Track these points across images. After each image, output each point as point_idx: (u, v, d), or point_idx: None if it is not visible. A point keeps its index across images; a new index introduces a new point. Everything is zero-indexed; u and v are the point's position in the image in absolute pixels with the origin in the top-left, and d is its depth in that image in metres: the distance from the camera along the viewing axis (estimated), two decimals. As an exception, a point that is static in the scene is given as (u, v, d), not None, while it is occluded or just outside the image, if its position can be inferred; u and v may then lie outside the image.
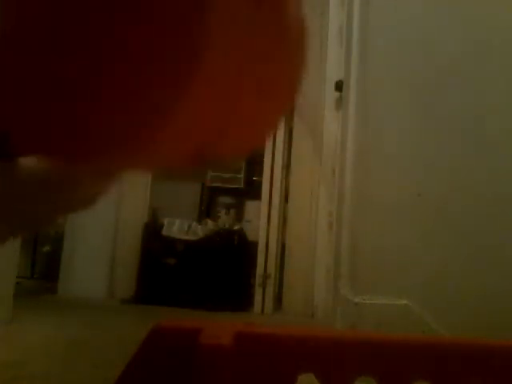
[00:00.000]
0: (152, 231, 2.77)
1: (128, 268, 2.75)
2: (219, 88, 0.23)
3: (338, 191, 2.05)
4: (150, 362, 0.36)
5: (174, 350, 0.36)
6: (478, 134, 1.64)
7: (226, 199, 3.07)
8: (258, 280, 2.58)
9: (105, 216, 2.71)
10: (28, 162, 0.29)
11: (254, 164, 3.03)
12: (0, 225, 0.31)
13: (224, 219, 2.89)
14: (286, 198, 2.67)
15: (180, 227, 2.77)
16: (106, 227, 2.79)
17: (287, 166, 2.69)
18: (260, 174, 2.75)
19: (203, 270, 2.66)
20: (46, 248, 3.18)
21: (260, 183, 2.72)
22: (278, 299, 2.61)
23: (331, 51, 2.47)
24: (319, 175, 2.52)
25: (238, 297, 2.60)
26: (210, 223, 2.86)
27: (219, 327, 0.37)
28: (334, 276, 1.84)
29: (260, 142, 0.30)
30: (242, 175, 3.06)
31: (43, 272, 3.15)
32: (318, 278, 2.46)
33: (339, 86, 2.15)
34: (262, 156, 2.72)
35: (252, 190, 2.96)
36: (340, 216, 1.83)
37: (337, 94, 2.28)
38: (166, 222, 2.80)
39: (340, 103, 2.19)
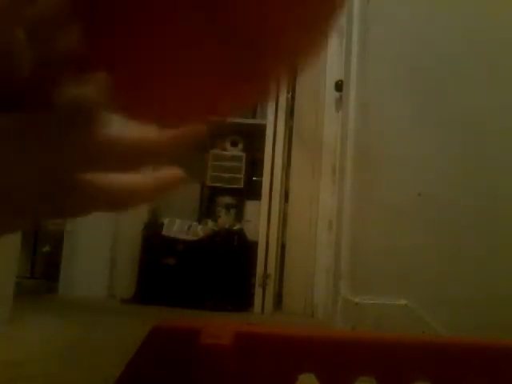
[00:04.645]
0: (152, 231, 2.77)
1: (128, 268, 2.75)
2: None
3: (338, 191, 2.05)
4: (149, 361, 0.36)
5: (173, 349, 0.36)
6: (478, 134, 1.64)
7: (226, 199, 3.06)
8: (258, 280, 2.58)
9: (105, 216, 2.71)
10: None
11: (254, 164, 3.03)
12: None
13: (224, 219, 2.89)
14: (286, 197, 2.67)
15: (180, 227, 2.77)
16: (106, 227, 2.79)
17: (287, 166, 2.69)
18: (260, 174, 2.74)
19: (203, 269, 2.66)
20: (46, 248, 3.18)
21: (260, 183, 2.72)
22: (278, 299, 2.61)
23: (331, 51, 2.47)
24: (319, 175, 2.52)
25: (238, 297, 2.60)
26: (209, 223, 2.86)
27: (219, 327, 0.37)
28: (334, 276, 1.84)
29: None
30: (242, 175, 3.05)
31: (43, 272, 3.15)
32: (317, 278, 2.46)
33: (339, 86, 2.15)
34: (262, 156, 2.72)
35: (252, 190, 2.96)
36: (340, 216, 1.83)
37: (337, 94, 2.28)
38: (166, 222, 2.80)
39: (340, 103, 2.19)
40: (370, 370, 0.38)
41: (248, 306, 2.58)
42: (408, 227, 1.62)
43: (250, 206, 2.94)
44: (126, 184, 0.29)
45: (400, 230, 1.63)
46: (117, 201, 0.29)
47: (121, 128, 0.27)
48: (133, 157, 0.28)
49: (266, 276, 2.58)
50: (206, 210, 3.15)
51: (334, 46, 2.45)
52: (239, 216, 2.99)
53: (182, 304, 2.46)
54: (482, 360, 0.38)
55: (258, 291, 2.57)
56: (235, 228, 2.81)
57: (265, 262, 2.60)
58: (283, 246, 2.66)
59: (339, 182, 2.03)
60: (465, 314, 1.51)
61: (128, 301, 2.60)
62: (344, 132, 1.87)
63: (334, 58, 2.43)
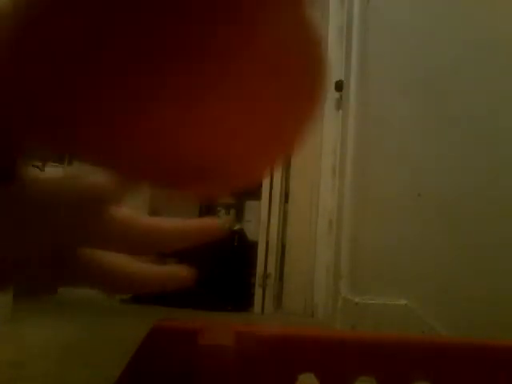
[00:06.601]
0: (152, 231, 2.77)
1: (128, 268, 2.75)
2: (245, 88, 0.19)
3: (338, 191, 2.05)
4: (149, 362, 0.36)
5: (173, 350, 0.36)
6: (478, 134, 1.64)
7: (225, 199, 3.07)
8: (258, 280, 2.58)
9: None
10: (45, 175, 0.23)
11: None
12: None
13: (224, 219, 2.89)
14: (286, 197, 2.67)
15: (180, 227, 2.77)
16: (106, 227, 2.79)
17: (287, 166, 2.69)
18: (260, 174, 2.74)
19: (203, 270, 2.66)
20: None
21: (260, 183, 2.72)
22: (278, 299, 2.61)
23: (331, 51, 2.47)
24: (319, 175, 2.52)
25: (238, 297, 2.60)
26: (209, 223, 2.86)
27: (219, 327, 0.37)
28: (334, 276, 1.84)
29: (266, 167, 0.23)
30: (241, 175, 3.05)
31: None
32: (317, 278, 2.46)
33: (339, 86, 2.15)
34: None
35: (252, 190, 2.96)
36: (340, 216, 1.83)
37: (337, 93, 2.28)
38: (165, 221, 2.79)
39: (340, 103, 2.19)
40: (370, 369, 0.38)
41: (248, 305, 2.58)
42: (408, 227, 1.62)
43: (249, 206, 2.94)
44: (127, 268, 0.28)
45: (400, 230, 1.63)
46: (113, 283, 0.28)
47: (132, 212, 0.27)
48: (140, 242, 0.27)
49: (265, 276, 2.58)
50: (206, 210, 3.15)
51: (333, 45, 2.45)
52: (239, 216, 2.99)
53: (182, 304, 2.46)
54: (482, 360, 0.38)
55: (258, 291, 2.57)
56: (235, 228, 2.80)
57: (265, 261, 2.60)
58: (283, 246, 2.66)
59: (339, 182, 2.03)
60: (465, 314, 1.51)
61: (127, 301, 2.60)
62: (344, 132, 1.87)
63: (334, 58, 2.43)
